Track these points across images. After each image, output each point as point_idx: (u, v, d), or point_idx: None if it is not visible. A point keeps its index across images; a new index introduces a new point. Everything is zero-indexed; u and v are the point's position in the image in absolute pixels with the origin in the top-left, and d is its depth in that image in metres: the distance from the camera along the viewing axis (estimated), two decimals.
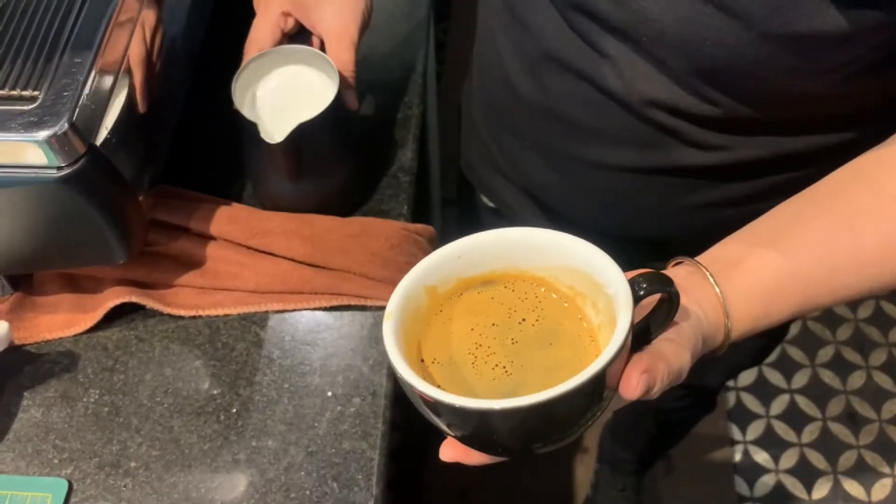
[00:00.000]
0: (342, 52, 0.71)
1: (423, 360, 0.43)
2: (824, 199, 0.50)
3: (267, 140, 0.66)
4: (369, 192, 0.78)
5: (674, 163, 0.64)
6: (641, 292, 0.41)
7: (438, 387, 0.39)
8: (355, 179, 0.76)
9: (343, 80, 0.70)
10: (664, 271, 0.49)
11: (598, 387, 0.39)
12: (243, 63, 0.70)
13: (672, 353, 0.43)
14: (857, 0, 0.47)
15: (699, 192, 0.67)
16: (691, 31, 0.52)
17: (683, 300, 0.43)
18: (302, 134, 0.66)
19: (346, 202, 0.76)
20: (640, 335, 0.43)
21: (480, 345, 0.44)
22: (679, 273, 0.49)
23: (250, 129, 0.67)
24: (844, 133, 0.62)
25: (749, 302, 0.48)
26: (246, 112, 0.68)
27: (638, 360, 0.41)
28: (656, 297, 0.42)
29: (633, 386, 0.41)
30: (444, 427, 0.41)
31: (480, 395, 0.42)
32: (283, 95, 0.72)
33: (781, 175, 0.65)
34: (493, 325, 0.44)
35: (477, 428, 0.40)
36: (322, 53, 0.70)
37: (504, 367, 0.43)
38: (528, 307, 0.45)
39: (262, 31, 0.71)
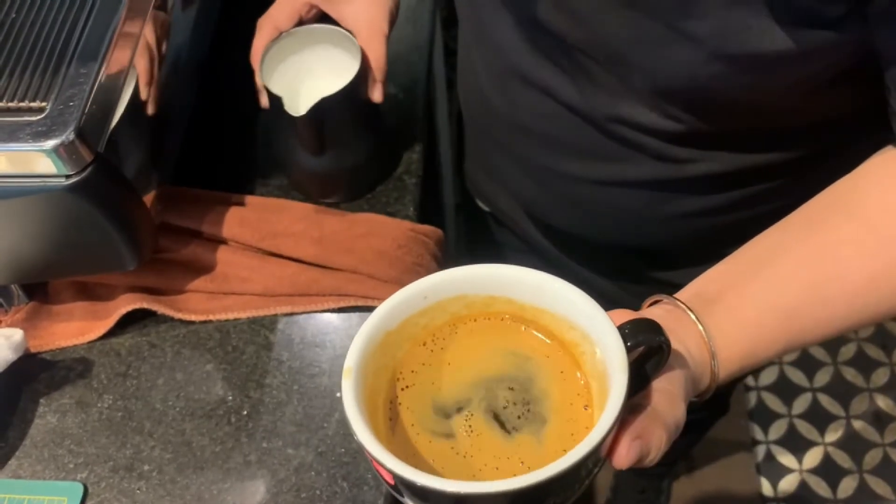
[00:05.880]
0: (374, 46, 0.71)
1: (391, 419, 0.41)
2: (803, 228, 0.49)
3: (291, 113, 0.68)
4: (389, 169, 0.80)
5: (644, 175, 0.64)
6: (629, 343, 0.38)
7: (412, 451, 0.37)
8: (375, 155, 0.78)
9: (373, 74, 0.72)
10: (641, 312, 0.46)
11: (589, 463, 0.36)
12: (257, 41, 0.72)
13: (668, 409, 0.40)
14: (800, 21, 0.46)
15: (675, 203, 0.66)
16: (646, 51, 0.52)
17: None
18: (323, 108, 0.68)
19: (366, 177, 0.78)
20: (635, 381, 0.38)
21: (454, 395, 0.41)
22: (656, 313, 0.46)
23: (276, 102, 0.69)
24: (816, 143, 0.61)
25: (734, 338, 0.45)
26: (272, 88, 0.70)
27: (630, 423, 0.38)
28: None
29: (622, 455, 0.37)
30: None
31: (463, 456, 0.39)
32: (308, 73, 0.75)
33: (762, 184, 0.64)
34: (471, 372, 0.42)
35: None
36: (347, 33, 0.71)
37: (484, 420, 0.40)
38: (511, 352, 0.43)
39: (282, 11, 0.72)
